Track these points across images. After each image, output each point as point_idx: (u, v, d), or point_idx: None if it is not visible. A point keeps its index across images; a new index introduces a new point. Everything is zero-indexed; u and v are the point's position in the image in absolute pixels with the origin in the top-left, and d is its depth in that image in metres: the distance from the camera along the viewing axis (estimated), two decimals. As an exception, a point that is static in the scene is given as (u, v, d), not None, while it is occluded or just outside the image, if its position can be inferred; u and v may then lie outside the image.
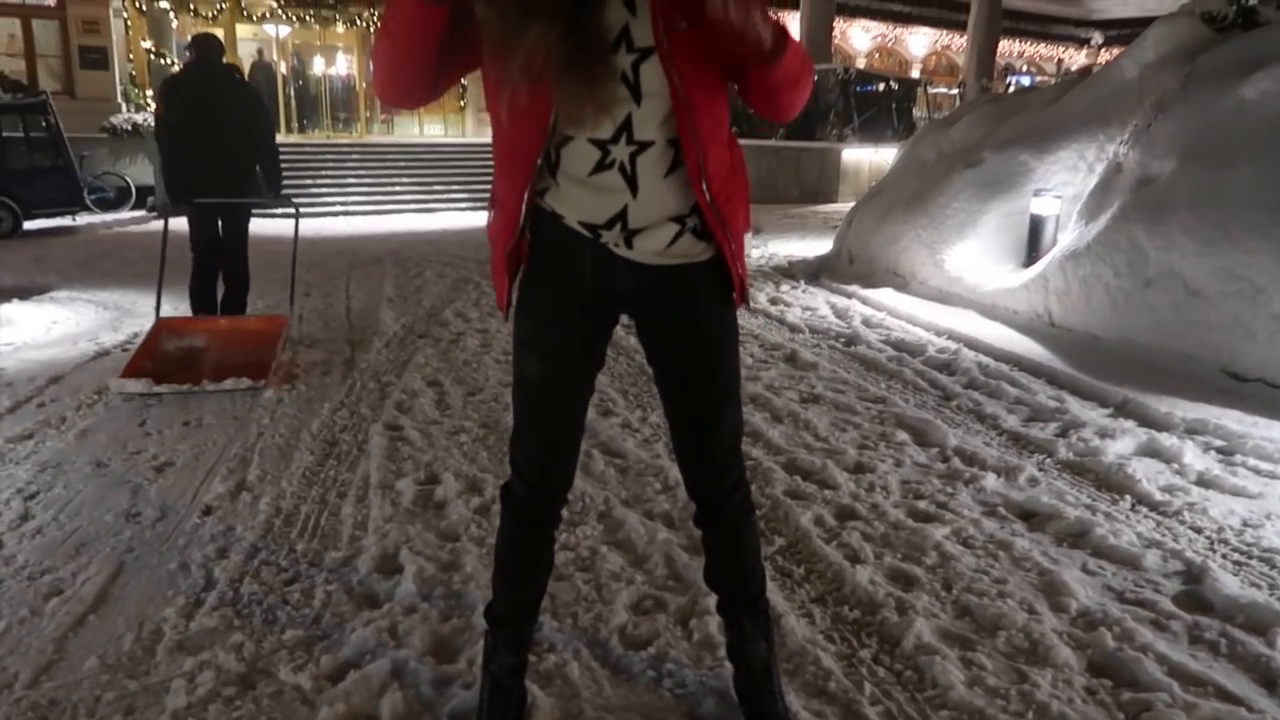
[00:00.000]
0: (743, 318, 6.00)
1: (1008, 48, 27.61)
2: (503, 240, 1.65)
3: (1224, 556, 2.75)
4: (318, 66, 21.05)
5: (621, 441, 3.73)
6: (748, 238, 1.77)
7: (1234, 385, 4.36)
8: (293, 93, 20.33)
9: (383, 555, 2.73)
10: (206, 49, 5.34)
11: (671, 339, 1.74)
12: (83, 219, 13.10)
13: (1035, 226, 6.30)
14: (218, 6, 17.48)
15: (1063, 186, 6.38)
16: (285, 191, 6.11)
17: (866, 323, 6.17)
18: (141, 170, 14.73)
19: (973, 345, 5.44)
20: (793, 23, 19.66)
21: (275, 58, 20.34)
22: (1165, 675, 2.11)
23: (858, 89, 19.01)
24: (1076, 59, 31.37)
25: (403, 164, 16.87)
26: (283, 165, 5.67)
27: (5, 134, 12.10)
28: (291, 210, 6.18)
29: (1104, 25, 30.41)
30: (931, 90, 23.86)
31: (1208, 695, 2.05)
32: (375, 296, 7.25)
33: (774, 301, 7.00)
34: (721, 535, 1.88)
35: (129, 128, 14.93)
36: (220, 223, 5.53)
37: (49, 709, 2.02)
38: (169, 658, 2.20)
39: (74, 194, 12.66)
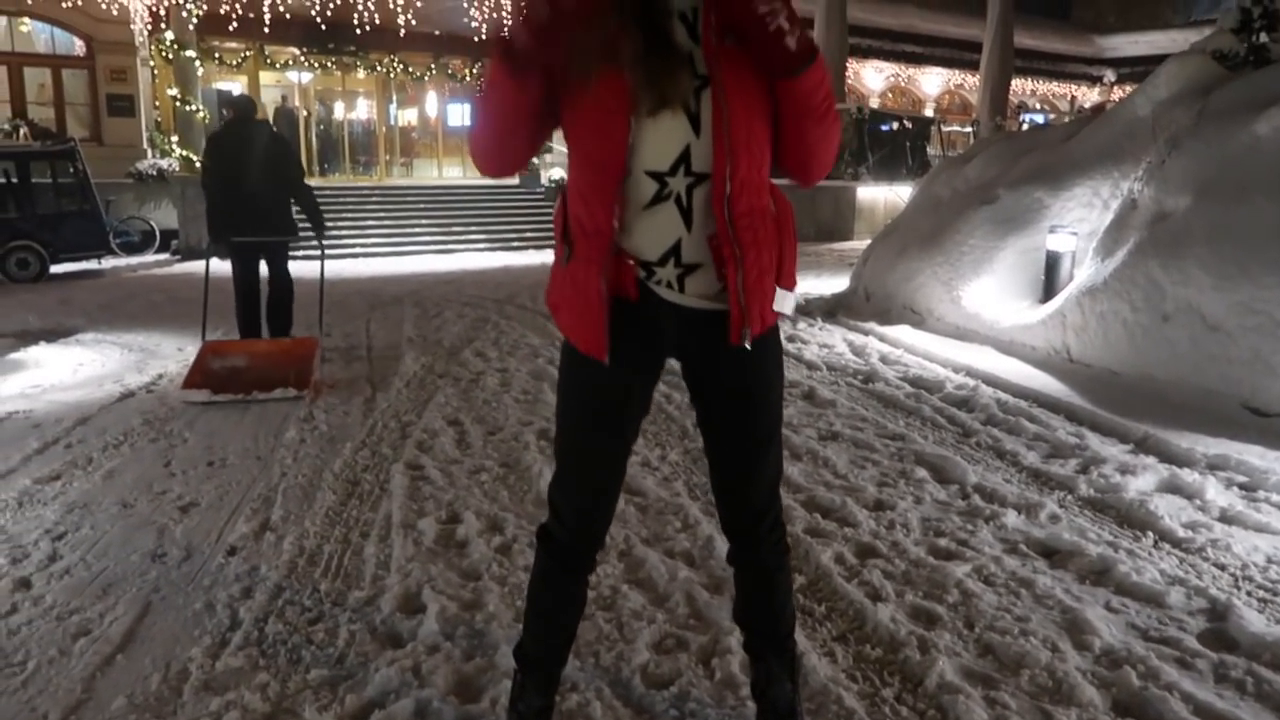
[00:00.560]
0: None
1: (1020, 86, 27.75)
2: (595, 269, 1.63)
3: (1249, 594, 2.73)
4: (339, 111, 21.43)
5: (641, 480, 3.74)
6: (787, 300, 1.73)
7: (1255, 420, 4.34)
8: (315, 137, 20.68)
9: (405, 595, 2.75)
10: (244, 108, 6.19)
11: (717, 381, 1.76)
12: (108, 262, 13.34)
13: (1051, 263, 6.32)
14: (242, 55, 17.86)
15: (1078, 223, 6.41)
16: (307, 232, 6.58)
17: (884, 359, 6.18)
18: (166, 214, 15.01)
19: (991, 382, 5.44)
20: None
21: (298, 103, 20.74)
22: (1191, 714, 2.10)
23: (872, 128, 19.14)
24: (1090, 96, 31.48)
25: (422, 206, 17.09)
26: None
27: (34, 180, 12.36)
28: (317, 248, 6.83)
29: (1116, 63, 30.57)
30: (945, 128, 23.99)
31: (1235, 734, 2.03)
32: (395, 337, 7.33)
33: (791, 339, 7.02)
34: (755, 575, 1.89)
35: (154, 173, 15.21)
36: (264, 260, 6.29)
37: (78, 748, 2.04)
38: (196, 698, 2.22)
39: (100, 238, 12.89)
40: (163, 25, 15.21)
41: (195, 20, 14.60)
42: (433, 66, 20.62)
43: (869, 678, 2.30)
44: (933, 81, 28.19)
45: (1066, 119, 30.15)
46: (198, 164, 14.73)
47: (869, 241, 9.83)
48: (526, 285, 10.94)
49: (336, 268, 12.36)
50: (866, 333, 7.21)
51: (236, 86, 19.89)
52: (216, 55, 17.40)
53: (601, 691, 2.23)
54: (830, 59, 20.33)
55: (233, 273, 6.30)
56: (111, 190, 14.40)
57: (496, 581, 2.84)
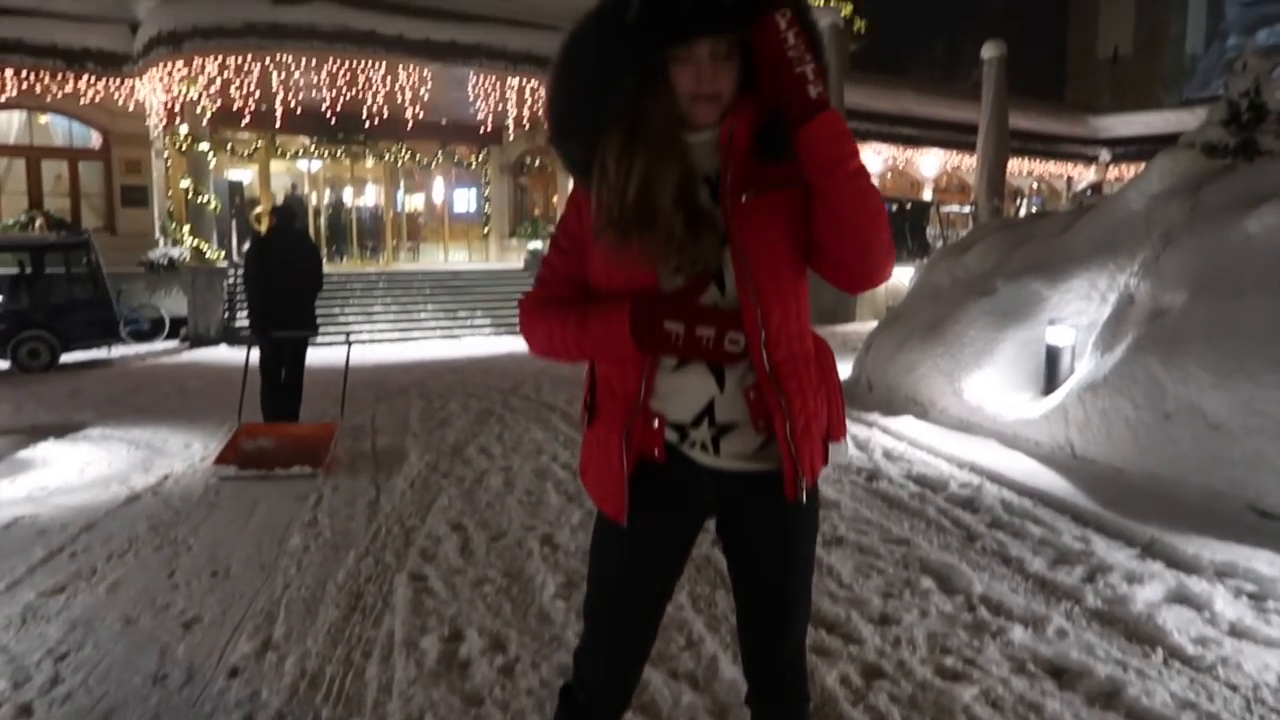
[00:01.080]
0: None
1: (1017, 166, 28.23)
2: (618, 431, 1.64)
3: (1261, 718, 2.69)
4: (348, 197, 21.86)
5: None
6: (841, 451, 1.72)
7: (1262, 523, 4.32)
8: (324, 223, 21.06)
9: (407, 722, 2.73)
10: (288, 216, 7.18)
11: (754, 539, 1.73)
12: (117, 350, 13.48)
13: (1052, 356, 6.37)
14: (253, 145, 18.31)
15: (1077, 315, 6.48)
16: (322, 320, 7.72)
17: (888, 455, 6.18)
18: (176, 301, 15.21)
19: (995, 479, 5.43)
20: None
21: (307, 189, 21.17)
22: None
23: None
24: (1086, 175, 31.99)
25: (428, 291, 17.30)
26: (250, 284, 6.97)
27: (48, 271, 12.58)
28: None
29: (1110, 143, 31.14)
30: (944, 209, 24.35)
31: None
32: (400, 431, 7.36)
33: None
34: None
35: (165, 262, 15.47)
36: (288, 354, 7.08)
37: None
38: (193, 842, 2.19)
39: (110, 328, 13.04)
40: (177, 119, 15.62)
41: (209, 114, 15.00)
42: (440, 154, 21.10)
43: (877, 816, 2.27)
44: (930, 163, 28.70)
45: (1064, 199, 30.64)
46: (208, 253, 15.01)
47: (871, 323, 9.92)
48: (530, 374, 11.00)
49: (343, 355, 12.47)
50: (870, 424, 7.22)
51: (247, 175, 20.36)
52: (229, 146, 17.85)
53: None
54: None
55: (261, 362, 7.07)
56: (123, 279, 14.63)
57: (499, 707, 2.82)
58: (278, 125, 16.06)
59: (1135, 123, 31.38)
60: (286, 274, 6.82)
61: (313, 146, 19.27)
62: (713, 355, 1.56)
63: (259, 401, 7.16)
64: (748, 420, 1.63)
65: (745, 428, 1.63)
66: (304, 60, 14.06)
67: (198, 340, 14.65)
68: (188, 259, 15.28)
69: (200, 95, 14.56)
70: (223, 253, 15.61)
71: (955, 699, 2.80)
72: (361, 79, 14.77)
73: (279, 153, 19.05)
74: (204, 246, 15.11)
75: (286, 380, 7.11)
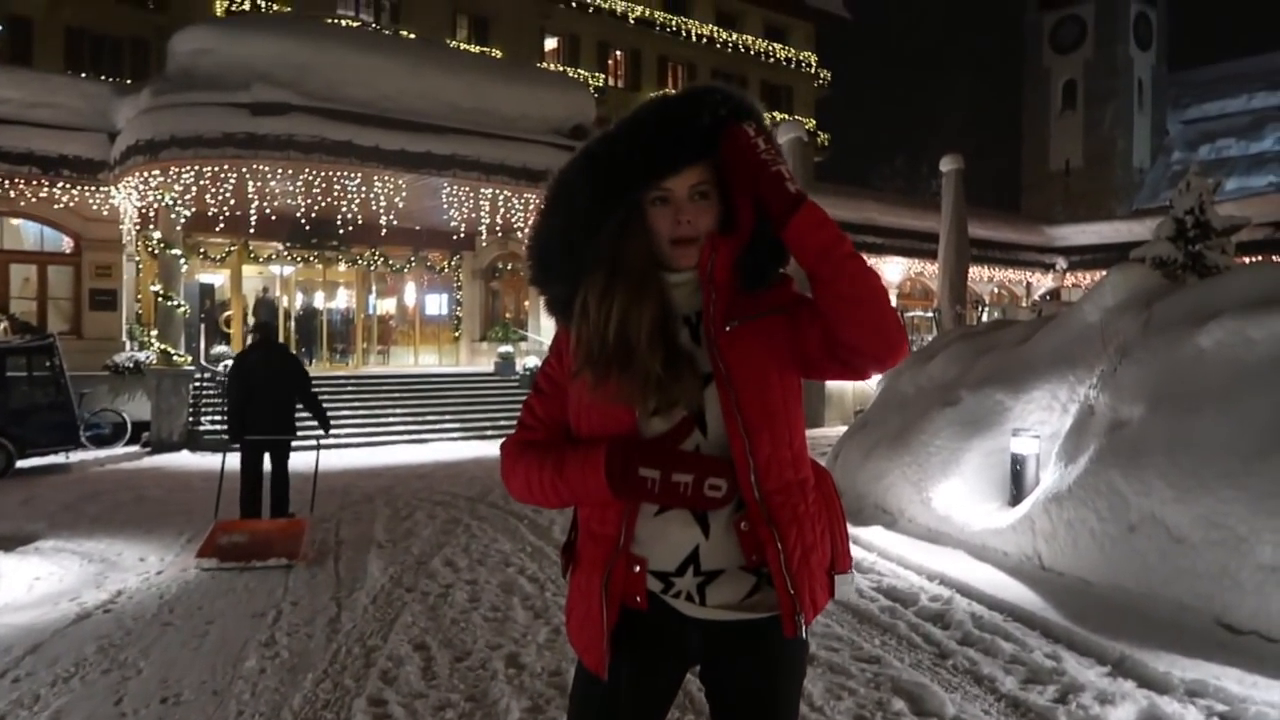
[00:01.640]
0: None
1: (978, 273, 29.02)
2: (598, 577, 1.60)
3: None
4: (319, 300, 21.93)
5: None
6: (847, 584, 1.68)
7: (1229, 638, 4.31)
8: (294, 326, 21.04)
9: None
10: (268, 332, 8.07)
11: (737, 687, 1.68)
12: (76, 455, 13.19)
13: (1017, 465, 6.42)
14: (226, 249, 18.41)
15: (1039, 425, 6.56)
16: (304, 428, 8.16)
17: (857, 567, 6.14)
18: (139, 406, 15.00)
19: (965, 592, 5.41)
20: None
21: (278, 292, 21.23)
22: None
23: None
24: (1044, 282, 32.90)
25: (397, 395, 17.23)
26: (231, 394, 7.71)
27: (10, 374, 12.41)
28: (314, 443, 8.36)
29: (1066, 251, 32.15)
30: (908, 315, 24.84)
31: None
32: (365, 542, 7.22)
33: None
34: None
35: (130, 365, 15.33)
36: (268, 454, 7.65)
37: None
38: None
39: (70, 433, 12.82)
40: (151, 224, 15.73)
41: (184, 220, 15.11)
42: (412, 259, 21.33)
43: None
44: (894, 269, 29.39)
45: (1024, 304, 31.39)
46: (175, 356, 14.90)
47: (839, 428, 9.98)
48: (498, 481, 10.84)
49: (309, 461, 12.30)
50: (840, 533, 7.19)
51: (219, 278, 20.41)
52: (201, 250, 17.94)
53: None
54: (795, 251, 21.26)
55: (241, 463, 7.56)
56: (86, 383, 14.46)
57: None
58: (251, 230, 16.21)
59: (1088, 232, 32.50)
60: (267, 383, 7.49)
61: (286, 251, 19.42)
62: (691, 503, 1.54)
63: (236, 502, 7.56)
64: (736, 564, 1.59)
65: (733, 573, 1.60)
66: (280, 169, 14.30)
67: (160, 445, 14.41)
68: (154, 362, 15.16)
69: (175, 201, 14.70)
70: (189, 357, 15.51)
71: (929, 833, 2.72)
72: (337, 187, 15.02)
73: (252, 257, 19.16)
74: (171, 351, 15.02)
75: (273, 479, 7.72)
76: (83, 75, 20.44)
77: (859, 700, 3.82)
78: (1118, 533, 5.15)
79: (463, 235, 18.87)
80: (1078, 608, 4.93)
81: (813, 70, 40.35)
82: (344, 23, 26.04)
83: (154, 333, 15.65)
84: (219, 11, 25.14)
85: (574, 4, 32.91)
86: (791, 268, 1.68)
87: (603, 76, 34.41)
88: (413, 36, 24.81)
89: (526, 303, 23.25)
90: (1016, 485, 6.38)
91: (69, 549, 7.12)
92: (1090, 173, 50.85)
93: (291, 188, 15.05)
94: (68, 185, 15.39)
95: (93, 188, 15.55)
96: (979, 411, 7.14)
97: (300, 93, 14.56)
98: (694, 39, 36.54)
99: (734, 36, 37.82)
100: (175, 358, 15.00)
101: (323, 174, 14.67)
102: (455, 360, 22.40)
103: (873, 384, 13.90)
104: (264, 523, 7.26)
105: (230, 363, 8.01)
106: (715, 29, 37.19)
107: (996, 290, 32.88)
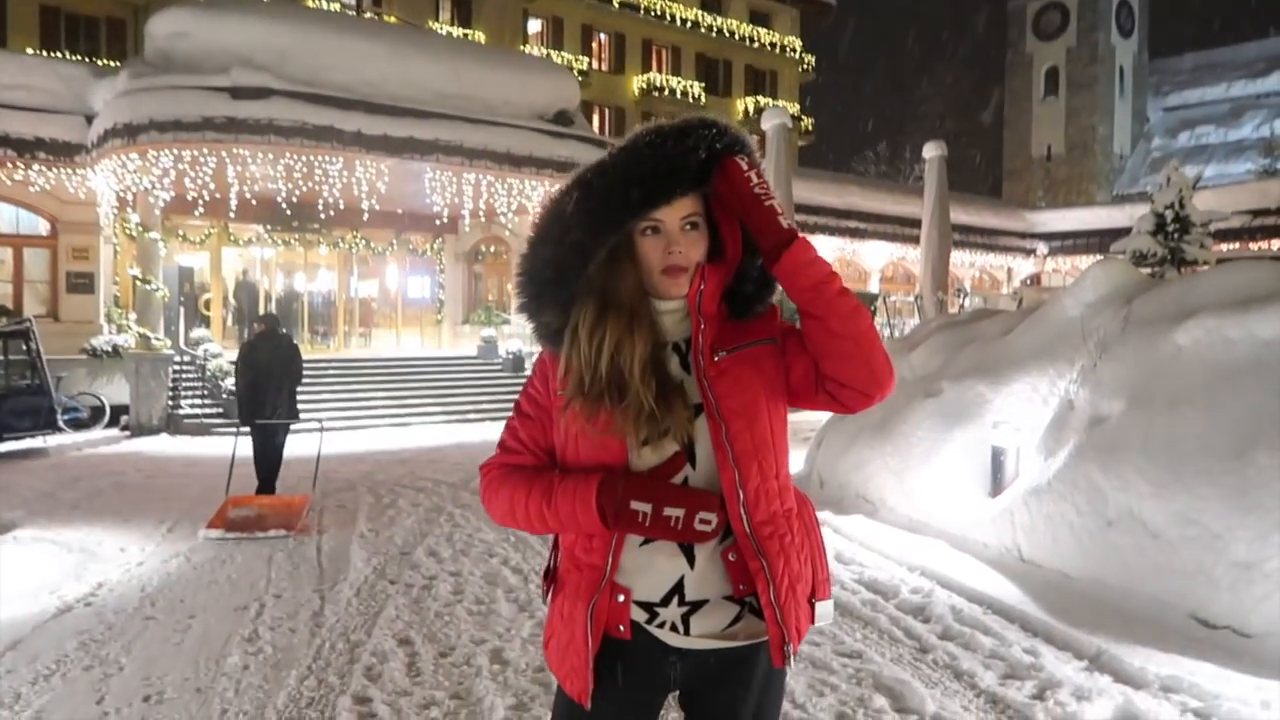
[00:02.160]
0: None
1: (960, 258, 29.16)
2: (583, 605, 1.61)
3: None
4: (300, 283, 21.76)
5: None
6: (827, 611, 1.69)
7: (1204, 633, 4.39)
8: (275, 309, 20.88)
9: None
10: (273, 323, 8.71)
11: (718, 710, 1.70)
12: (53, 440, 13.08)
13: (997, 457, 6.48)
14: (206, 232, 18.23)
15: (1020, 418, 6.62)
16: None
17: (839, 558, 6.19)
18: (117, 390, 14.88)
19: (946, 584, 5.46)
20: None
21: (259, 275, 21.05)
22: None
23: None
24: (1024, 267, 33.10)
25: (378, 378, 17.17)
26: (240, 380, 8.49)
27: (-15, 359, 12.29)
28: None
29: (1046, 237, 32.34)
30: (891, 299, 24.96)
31: None
32: (347, 532, 7.21)
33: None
34: None
35: (109, 349, 15.19)
36: (272, 437, 8.40)
37: None
38: None
39: (48, 418, 12.72)
40: (129, 207, 15.55)
41: (162, 203, 14.94)
42: (394, 242, 21.19)
43: None
44: (877, 255, 29.50)
45: (1005, 289, 31.58)
46: (154, 340, 14.78)
47: (823, 415, 10.01)
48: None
49: (293, 446, 12.26)
50: (821, 523, 7.22)
51: (199, 261, 20.22)
52: (180, 233, 17.75)
53: None
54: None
55: (253, 444, 8.41)
56: (63, 366, 14.33)
57: None
58: (231, 214, 16.05)
59: (1069, 218, 32.71)
60: (270, 373, 8.18)
61: (266, 234, 19.24)
62: (682, 536, 1.54)
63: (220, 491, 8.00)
64: (720, 594, 1.60)
65: (717, 602, 1.61)
66: (260, 153, 14.15)
67: (139, 429, 14.31)
68: (132, 346, 15.02)
69: (154, 185, 14.52)
70: (168, 341, 15.38)
71: (909, 833, 2.76)
72: (318, 172, 14.88)
73: (232, 240, 18.98)
74: (150, 334, 14.88)
75: (270, 457, 8.42)
76: (59, 56, 20.14)
77: (840, 697, 3.86)
78: (1096, 527, 5.21)
79: (445, 219, 18.75)
80: (1056, 601, 4.99)
81: (797, 55, 40.28)
82: (325, 6, 25.75)
83: (132, 316, 15.49)
84: (197, -10, 24.77)
85: (558, -15, 32.68)
86: (777, 294, 1.69)
87: (586, 60, 34.23)
88: (395, 20, 24.56)
89: (509, 286, 23.20)
90: (996, 477, 6.43)
91: (47, 538, 7.07)
92: (1071, 159, 51.16)
93: (272, 172, 14.90)
94: (44, 168, 15.17)
95: (70, 170, 15.34)
96: (960, 403, 7.19)
97: (281, 77, 14.39)
98: (678, 23, 36.37)
99: (718, 21, 37.68)
100: (154, 342, 14.87)
101: (304, 158, 14.53)
102: (438, 343, 22.31)
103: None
104: (269, 498, 7.97)
105: (239, 350, 8.81)
106: (700, 13, 37.03)
107: (978, 275, 33.07)
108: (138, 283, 15.18)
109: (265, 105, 13.97)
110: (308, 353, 19.55)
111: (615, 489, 1.54)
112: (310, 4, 23.94)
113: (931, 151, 21.86)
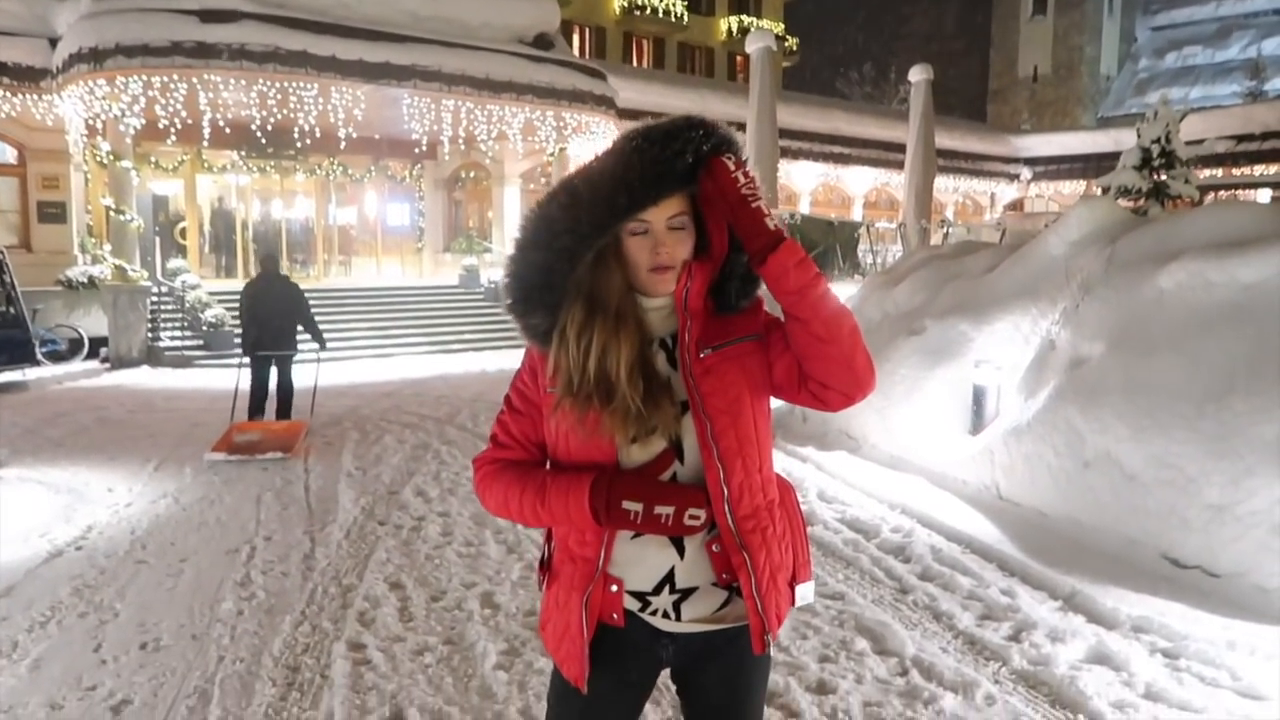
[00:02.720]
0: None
1: (943, 184, 28.99)
2: (578, 596, 1.66)
3: (1175, 789, 2.83)
4: (277, 210, 21.42)
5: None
6: (808, 592, 1.77)
7: (1175, 572, 4.53)
8: (252, 237, 20.60)
9: (349, 819, 2.71)
10: (271, 265, 9.25)
11: (707, 690, 1.77)
12: (32, 373, 12.97)
13: (978, 396, 6.56)
14: (179, 159, 17.84)
15: (1001, 357, 6.68)
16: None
17: (822, 496, 6.30)
18: (95, 322, 14.73)
19: (926, 523, 5.59)
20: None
21: (235, 202, 20.70)
22: None
23: (802, 235, 19.79)
24: (1008, 192, 32.99)
25: (360, 308, 17.07)
26: (243, 317, 8.99)
27: (-42, 291, 12.10)
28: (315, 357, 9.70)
29: (1031, 162, 32.18)
30: (876, 225, 24.87)
31: None
32: (333, 470, 7.25)
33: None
34: None
35: (85, 280, 14.98)
36: (275, 367, 9.00)
37: None
38: None
39: (26, 350, 12.59)
40: (99, 135, 15.15)
41: (133, 131, 14.56)
42: (372, 168, 20.84)
43: None
44: (860, 180, 29.29)
45: (988, 216, 31.52)
46: (130, 272, 14.57)
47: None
48: (466, 400, 10.95)
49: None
50: (804, 459, 7.36)
51: (173, 189, 19.83)
52: (153, 160, 17.36)
53: None
54: (763, 160, 21.06)
55: (251, 374, 8.94)
56: (39, 298, 14.14)
57: (442, 799, 2.81)
58: (205, 140, 15.68)
59: (1053, 143, 32.51)
60: (270, 310, 8.78)
61: (241, 161, 18.86)
62: (672, 531, 1.59)
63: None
64: (708, 581, 1.67)
65: (706, 589, 1.67)
66: (233, 79, 13.77)
67: (119, 362, 14.22)
68: (109, 277, 14.82)
69: (123, 112, 14.14)
70: (145, 272, 15.17)
71: (890, 777, 2.88)
72: (293, 98, 14.51)
73: (206, 167, 18.60)
74: (126, 266, 14.67)
75: (279, 389, 9.04)
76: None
77: (824, 639, 3.97)
78: (1073, 468, 5.32)
79: (425, 145, 18.40)
80: (1032, 540, 5.12)
81: (782, -29, 39.31)
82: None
83: (107, 247, 15.24)
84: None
85: (536, -103, 31.53)
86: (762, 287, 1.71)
87: (566, -24, 33.23)
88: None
89: (490, 213, 22.94)
90: (977, 416, 6.53)
91: (33, 479, 7.07)
92: (1058, 79, 50.60)
93: (245, 98, 14.52)
94: (8, 93, 14.71)
95: (35, 96, 14.88)
96: (942, 342, 7.25)
97: (251, -3, 13.93)
98: (661, -63, 35.32)
99: (702, -65, 36.60)
100: (131, 273, 14.67)
101: (277, 84, 14.14)
102: (419, 272, 22.15)
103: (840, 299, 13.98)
104: (270, 424, 8.56)
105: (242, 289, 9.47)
106: (683, -73, 35.94)
107: (961, 200, 32.96)
108: (111, 213, 14.89)
109: (236, 29, 13.53)
110: (287, 282, 19.53)
111: (607, 489, 1.58)
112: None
113: (918, 75, 21.56)
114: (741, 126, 17.07)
